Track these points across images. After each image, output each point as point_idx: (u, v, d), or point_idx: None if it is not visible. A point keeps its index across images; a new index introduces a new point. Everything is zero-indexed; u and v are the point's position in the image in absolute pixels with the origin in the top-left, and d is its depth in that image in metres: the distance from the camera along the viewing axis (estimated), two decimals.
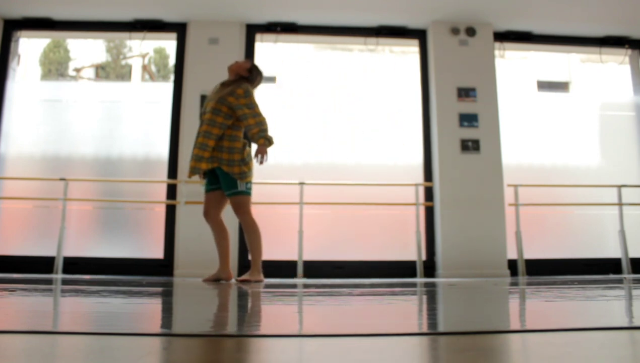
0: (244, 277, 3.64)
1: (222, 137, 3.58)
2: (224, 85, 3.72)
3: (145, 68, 8.97)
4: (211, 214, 3.67)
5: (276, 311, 1.75)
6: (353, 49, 6.25)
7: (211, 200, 3.69)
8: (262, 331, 1.18)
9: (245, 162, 3.59)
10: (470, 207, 5.34)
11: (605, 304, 1.89)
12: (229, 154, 3.57)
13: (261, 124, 3.56)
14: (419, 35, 5.88)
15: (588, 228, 5.80)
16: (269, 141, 3.55)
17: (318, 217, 5.46)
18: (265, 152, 3.55)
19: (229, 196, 3.60)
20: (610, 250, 5.60)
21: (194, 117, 5.42)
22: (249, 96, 3.61)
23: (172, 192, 5.42)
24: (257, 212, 5.19)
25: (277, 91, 5.94)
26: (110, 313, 1.54)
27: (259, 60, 5.74)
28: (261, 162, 3.56)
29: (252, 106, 3.59)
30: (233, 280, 3.74)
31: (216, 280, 3.64)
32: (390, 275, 5.13)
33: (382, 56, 6.14)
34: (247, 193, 3.60)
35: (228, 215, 3.82)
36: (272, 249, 5.24)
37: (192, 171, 3.60)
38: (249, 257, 3.67)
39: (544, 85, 7.37)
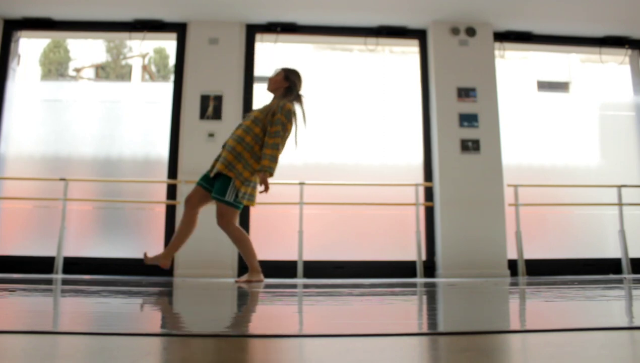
0: (243, 278, 3.64)
1: (251, 150, 3.57)
2: (273, 101, 3.75)
3: (145, 68, 8.96)
4: (193, 203, 3.65)
5: (276, 311, 1.75)
6: (353, 49, 6.25)
7: (199, 193, 3.67)
8: (262, 331, 1.18)
9: (249, 183, 3.57)
10: (470, 207, 5.34)
11: (605, 304, 1.89)
12: (244, 168, 3.55)
13: (275, 157, 3.53)
14: (419, 35, 5.88)
15: (588, 228, 5.80)
16: (270, 174, 3.53)
17: (318, 217, 5.46)
18: (267, 183, 3.53)
19: (213, 198, 3.59)
20: (610, 250, 5.60)
21: (194, 117, 5.42)
22: (288, 118, 3.60)
23: (172, 192, 5.42)
24: (256, 212, 5.23)
25: None
26: (110, 313, 1.54)
27: (259, 60, 5.75)
28: (266, 191, 3.55)
29: (279, 135, 3.54)
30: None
31: (154, 263, 3.64)
32: (390, 275, 5.13)
33: (382, 56, 6.13)
34: (232, 205, 3.54)
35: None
36: (272, 249, 5.25)
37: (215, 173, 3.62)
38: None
39: (544, 85, 7.35)
